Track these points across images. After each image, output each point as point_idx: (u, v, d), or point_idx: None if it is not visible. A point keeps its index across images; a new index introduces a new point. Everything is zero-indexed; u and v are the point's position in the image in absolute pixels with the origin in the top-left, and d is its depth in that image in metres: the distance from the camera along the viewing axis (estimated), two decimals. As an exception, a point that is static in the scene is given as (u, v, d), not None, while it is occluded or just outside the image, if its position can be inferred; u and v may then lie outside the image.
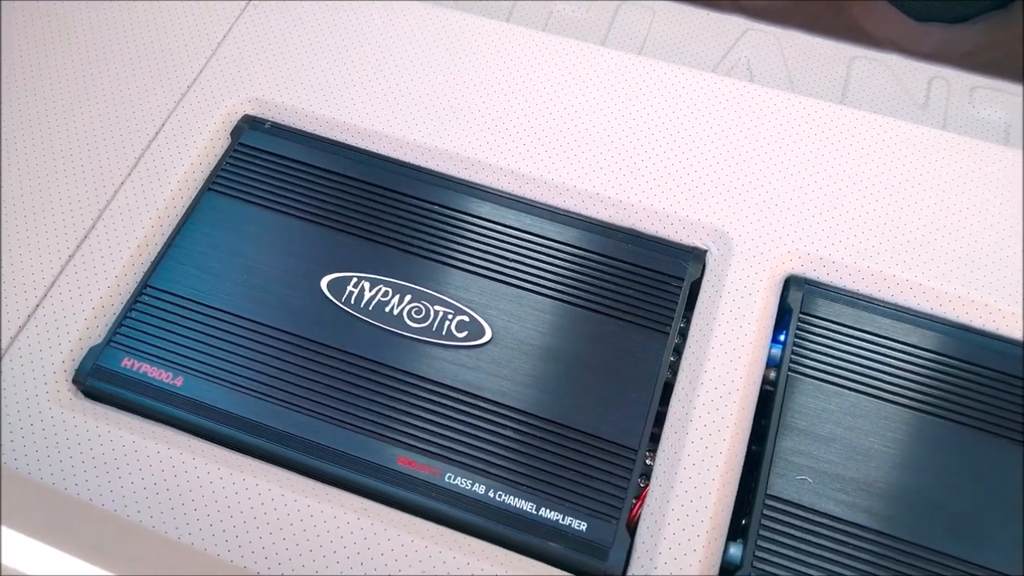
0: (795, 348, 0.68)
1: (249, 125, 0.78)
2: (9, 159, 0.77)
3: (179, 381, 0.65)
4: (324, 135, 0.78)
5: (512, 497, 0.62)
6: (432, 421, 0.64)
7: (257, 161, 0.76)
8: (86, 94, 0.80)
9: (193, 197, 0.74)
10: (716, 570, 0.61)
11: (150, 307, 0.69)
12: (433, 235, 0.73)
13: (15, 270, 0.70)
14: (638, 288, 0.71)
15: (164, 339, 0.67)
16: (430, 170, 0.77)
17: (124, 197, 0.74)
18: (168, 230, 0.73)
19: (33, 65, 0.83)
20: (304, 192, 0.74)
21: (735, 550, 0.61)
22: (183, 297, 0.69)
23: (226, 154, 0.77)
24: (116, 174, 0.75)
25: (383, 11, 0.85)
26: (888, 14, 0.93)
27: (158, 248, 0.72)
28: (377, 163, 0.77)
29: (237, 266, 0.71)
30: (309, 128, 0.79)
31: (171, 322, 0.68)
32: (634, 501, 0.63)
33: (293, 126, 0.79)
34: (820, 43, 0.96)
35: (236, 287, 0.70)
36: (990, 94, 0.93)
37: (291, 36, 0.84)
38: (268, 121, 0.79)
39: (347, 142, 0.78)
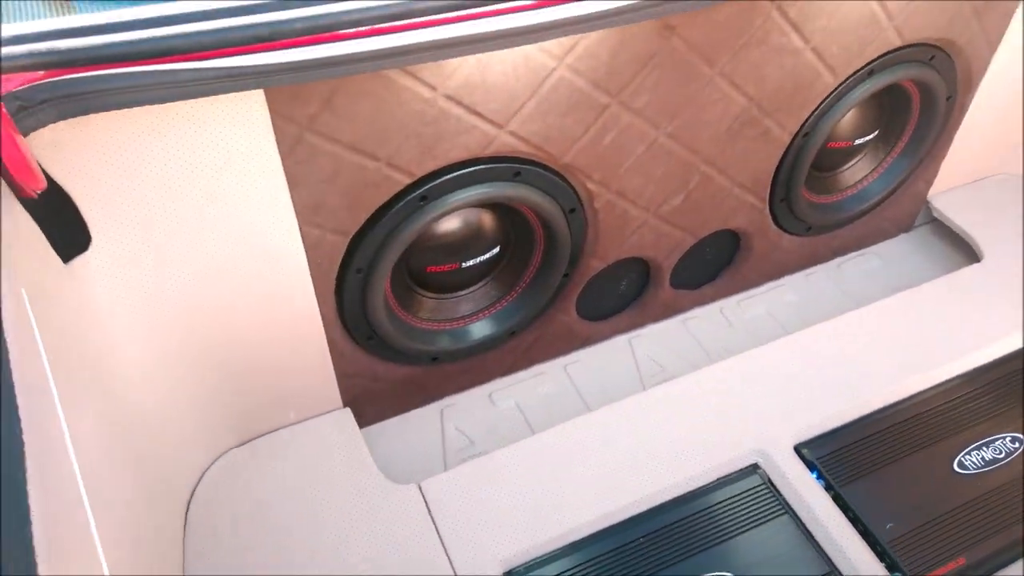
0: (829, 474, 1.32)
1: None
2: None
3: None
4: (557, 546, 1.22)
5: None
6: None
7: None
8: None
9: None
10: None
11: None
12: (666, 548, 1.22)
13: None
14: (749, 507, 1.29)
15: None
16: (625, 519, 1.26)
17: None
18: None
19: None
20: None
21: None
22: None
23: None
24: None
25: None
26: (680, 294, 1.68)
27: None
28: (594, 539, 1.23)
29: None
30: (547, 548, 1.22)
31: None
32: None
33: (541, 553, 1.21)
34: (663, 326, 1.68)
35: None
36: (749, 301, 1.73)
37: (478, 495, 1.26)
38: (520, 566, 1.20)
39: (571, 540, 1.23)
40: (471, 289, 1.43)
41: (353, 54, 0.88)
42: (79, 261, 0.98)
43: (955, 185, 1.83)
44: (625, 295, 1.64)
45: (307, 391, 1.38)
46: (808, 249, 1.75)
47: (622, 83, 1.19)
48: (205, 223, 1.08)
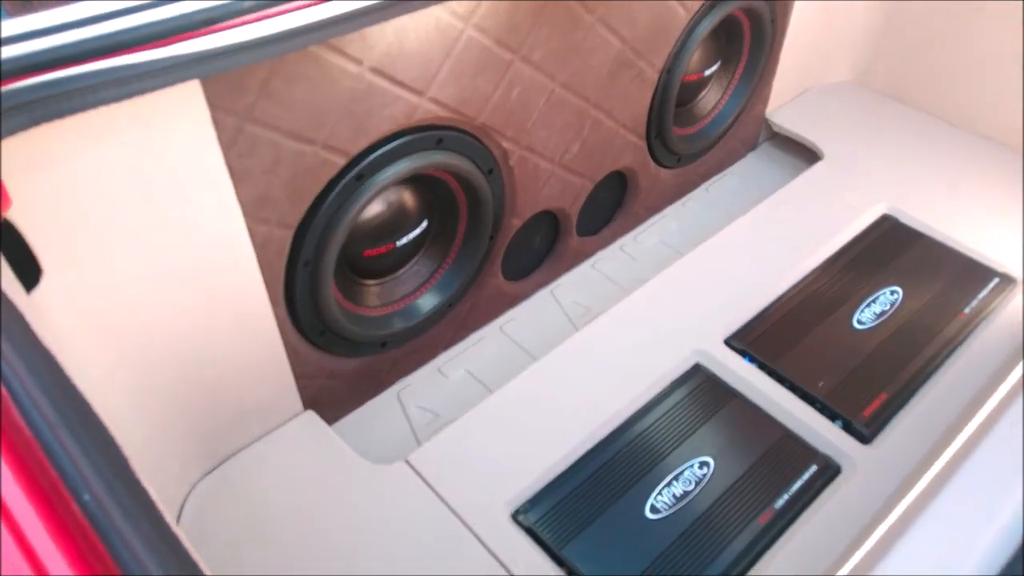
0: (759, 355, 1.49)
1: (521, 512, 1.25)
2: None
3: None
4: (549, 478, 1.29)
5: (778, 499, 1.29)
6: (741, 514, 1.27)
7: (553, 517, 1.24)
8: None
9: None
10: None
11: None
12: (646, 452, 1.32)
13: None
14: (702, 400, 1.43)
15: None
16: (601, 439, 1.35)
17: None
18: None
19: None
20: (612, 489, 1.26)
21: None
22: None
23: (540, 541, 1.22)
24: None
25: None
26: (585, 240, 1.81)
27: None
28: (580, 464, 1.32)
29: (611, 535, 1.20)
30: (542, 482, 1.28)
31: None
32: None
33: (539, 487, 1.27)
34: (577, 272, 1.80)
35: (613, 548, 1.19)
36: (643, 235, 1.89)
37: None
38: (524, 503, 1.26)
39: (560, 470, 1.30)
40: (407, 267, 1.47)
41: (295, 28, 0.91)
42: (36, 292, 0.92)
43: (785, 101, 2.10)
44: (540, 250, 1.74)
45: (268, 400, 1.35)
46: (681, 179, 1.94)
47: (521, 38, 1.28)
48: (153, 237, 1.04)
